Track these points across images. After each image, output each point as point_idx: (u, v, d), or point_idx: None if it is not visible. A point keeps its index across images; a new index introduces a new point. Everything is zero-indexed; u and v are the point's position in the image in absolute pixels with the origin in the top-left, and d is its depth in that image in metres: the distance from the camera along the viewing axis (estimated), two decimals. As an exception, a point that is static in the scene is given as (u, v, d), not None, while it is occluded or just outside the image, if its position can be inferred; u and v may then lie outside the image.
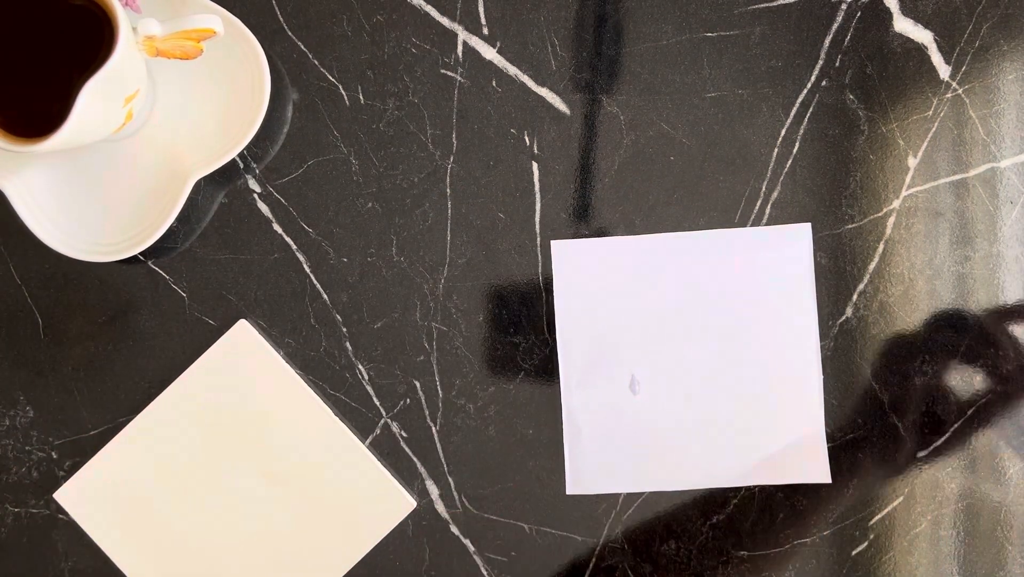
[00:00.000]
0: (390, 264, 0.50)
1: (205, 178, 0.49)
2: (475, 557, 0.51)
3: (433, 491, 0.51)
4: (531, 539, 0.51)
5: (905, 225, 0.50)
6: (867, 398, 0.50)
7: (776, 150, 0.50)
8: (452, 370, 0.50)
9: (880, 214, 0.50)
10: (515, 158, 0.50)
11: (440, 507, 0.51)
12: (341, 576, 0.50)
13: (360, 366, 0.50)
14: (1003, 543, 0.50)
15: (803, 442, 0.50)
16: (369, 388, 0.50)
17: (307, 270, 0.50)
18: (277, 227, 0.50)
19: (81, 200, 0.48)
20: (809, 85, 0.50)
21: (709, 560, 0.50)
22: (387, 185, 0.50)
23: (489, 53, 0.50)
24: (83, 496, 0.50)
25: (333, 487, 0.50)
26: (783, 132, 0.50)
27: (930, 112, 0.50)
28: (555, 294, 0.50)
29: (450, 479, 0.51)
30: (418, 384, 0.50)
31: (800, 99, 0.50)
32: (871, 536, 0.50)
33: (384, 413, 0.51)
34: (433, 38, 0.50)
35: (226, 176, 0.50)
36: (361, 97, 0.50)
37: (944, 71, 0.50)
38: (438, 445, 0.51)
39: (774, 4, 0.50)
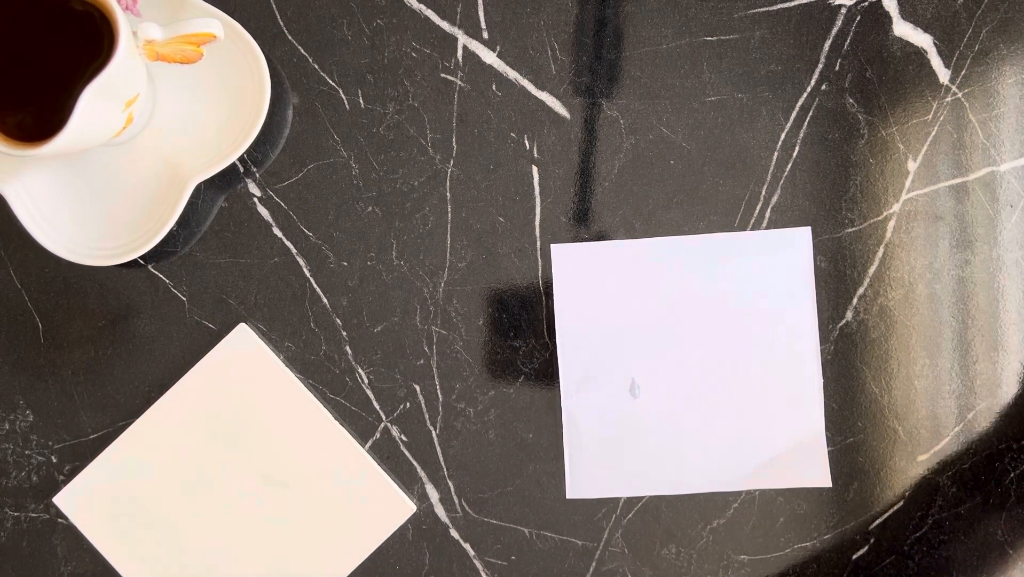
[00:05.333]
0: (390, 268, 0.50)
1: (205, 182, 0.49)
2: (475, 561, 0.51)
3: (433, 495, 0.51)
4: (531, 543, 0.51)
5: (905, 229, 0.50)
6: (867, 401, 0.50)
7: (776, 154, 0.50)
8: (452, 374, 0.50)
9: (880, 218, 0.50)
10: (515, 162, 0.50)
11: (440, 511, 0.51)
12: (341, 580, 0.50)
13: (360, 370, 0.50)
14: (1004, 547, 0.50)
15: (803, 446, 0.50)
16: (369, 392, 0.50)
17: (307, 274, 0.50)
18: (277, 231, 0.50)
19: (81, 204, 0.48)
20: (809, 89, 0.50)
21: (709, 564, 0.50)
22: (387, 189, 0.50)
23: (489, 57, 0.50)
24: (83, 500, 0.50)
25: (333, 491, 0.50)
26: (783, 136, 0.50)
27: (930, 116, 0.50)
28: (555, 298, 0.50)
29: (450, 483, 0.51)
30: (418, 388, 0.50)
31: (800, 103, 0.50)
32: (872, 540, 0.50)
33: (384, 417, 0.50)
34: (433, 42, 0.50)
35: (226, 180, 0.50)
36: (361, 101, 0.50)
37: (944, 75, 0.50)
38: (438, 449, 0.50)
39: (774, 8, 0.50)
